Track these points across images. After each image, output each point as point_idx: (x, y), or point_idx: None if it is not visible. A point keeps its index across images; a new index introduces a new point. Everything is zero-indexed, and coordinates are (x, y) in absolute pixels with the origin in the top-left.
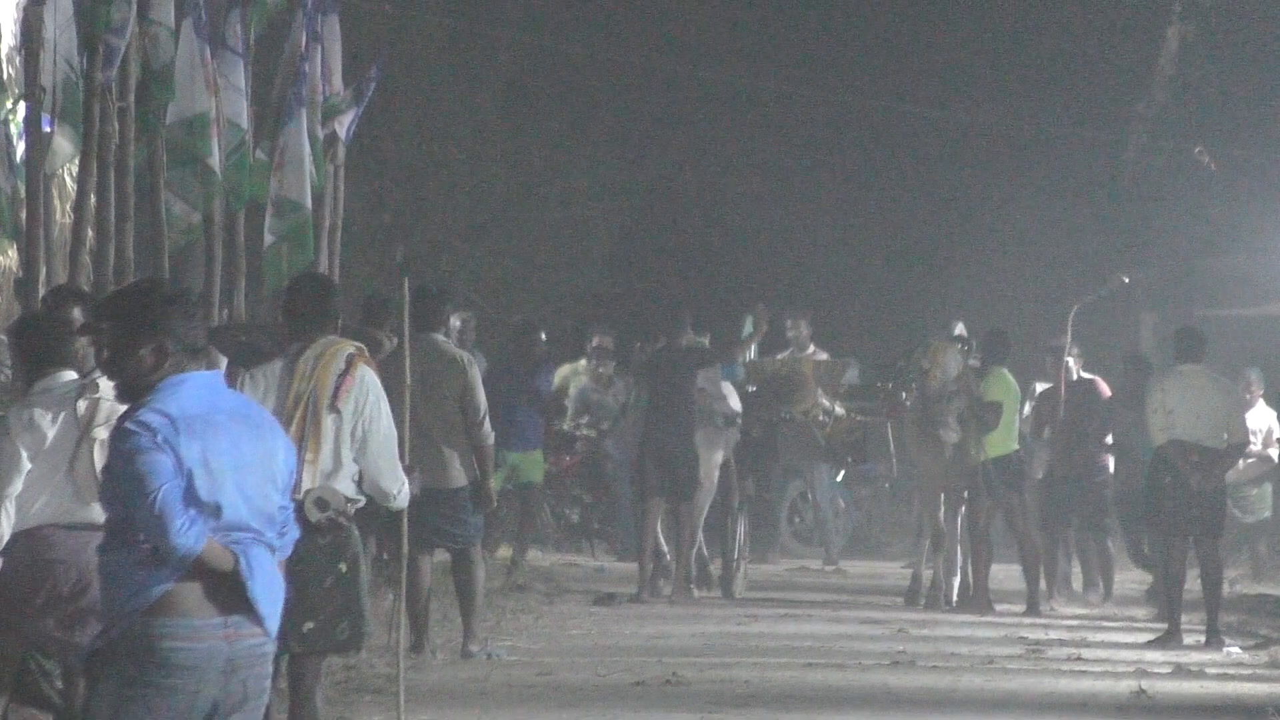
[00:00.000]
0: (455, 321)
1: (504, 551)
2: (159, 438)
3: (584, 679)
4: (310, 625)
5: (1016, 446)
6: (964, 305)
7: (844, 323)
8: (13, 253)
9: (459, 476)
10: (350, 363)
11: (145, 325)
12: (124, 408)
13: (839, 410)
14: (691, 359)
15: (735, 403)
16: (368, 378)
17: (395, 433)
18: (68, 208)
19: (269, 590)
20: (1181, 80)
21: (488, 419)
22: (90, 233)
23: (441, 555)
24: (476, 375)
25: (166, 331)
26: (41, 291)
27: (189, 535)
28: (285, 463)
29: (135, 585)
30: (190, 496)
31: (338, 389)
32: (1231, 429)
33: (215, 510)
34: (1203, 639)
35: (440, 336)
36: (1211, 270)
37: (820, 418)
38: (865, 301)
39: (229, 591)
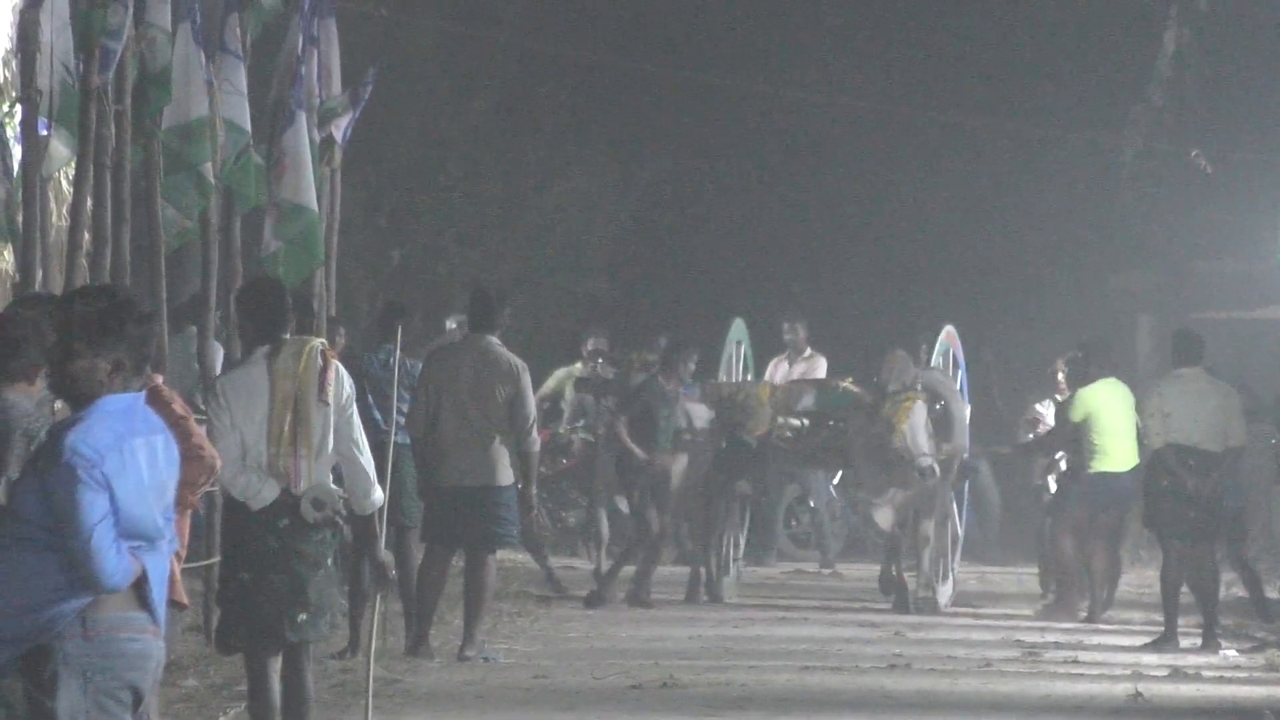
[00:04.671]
0: (451, 324)
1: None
2: (96, 473)
3: (580, 682)
4: (303, 616)
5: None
6: (958, 308)
7: (840, 326)
8: (9, 256)
9: (505, 475)
10: (325, 357)
11: (111, 335)
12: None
13: (803, 423)
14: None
15: (702, 416)
16: (341, 371)
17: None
18: (64, 211)
19: (162, 597)
20: (1177, 84)
21: (536, 427)
22: (87, 236)
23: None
24: (528, 382)
25: (128, 349)
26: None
27: (120, 573)
28: (171, 478)
29: (68, 588)
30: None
31: (322, 383)
32: (1230, 432)
33: (125, 533)
34: (1199, 642)
35: (495, 339)
36: (1208, 274)
37: (787, 434)
38: (861, 305)
39: (136, 592)
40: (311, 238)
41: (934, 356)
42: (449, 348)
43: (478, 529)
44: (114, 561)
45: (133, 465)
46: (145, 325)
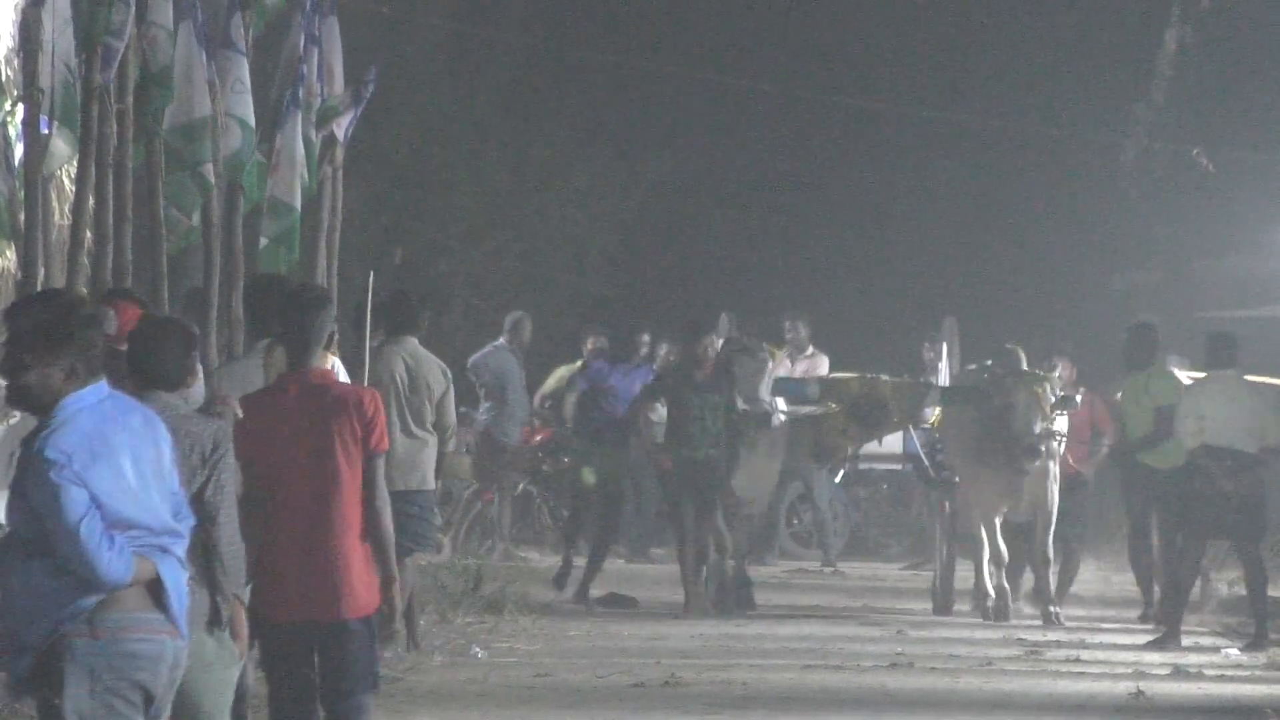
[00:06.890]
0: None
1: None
2: (68, 472)
3: (583, 680)
4: None
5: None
6: (960, 308)
7: (841, 325)
8: (11, 255)
9: (430, 479)
10: None
11: (60, 343)
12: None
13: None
14: (717, 382)
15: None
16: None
17: None
18: (66, 209)
19: (179, 595)
20: (1180, 82)
21: (455, 432)
22: (88, 234)
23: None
24: (452, 385)
25: (79, 353)
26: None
27: (117, 566)
28: (170, 459)
29: (75, 588)
30: (104, 520)
31: None
32: (1267, 431)
33: (124, 525)
34: (1205, 640)
35: (417, 341)
36: (1210, 272)
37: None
38: (862, 304)
39: (151, 591)
40: (291, 236)
41: (942, 348)
42: (376, 352)
43: (409, 532)
44: (108, 554)
45: (108, 455)
46: (93, 328)
